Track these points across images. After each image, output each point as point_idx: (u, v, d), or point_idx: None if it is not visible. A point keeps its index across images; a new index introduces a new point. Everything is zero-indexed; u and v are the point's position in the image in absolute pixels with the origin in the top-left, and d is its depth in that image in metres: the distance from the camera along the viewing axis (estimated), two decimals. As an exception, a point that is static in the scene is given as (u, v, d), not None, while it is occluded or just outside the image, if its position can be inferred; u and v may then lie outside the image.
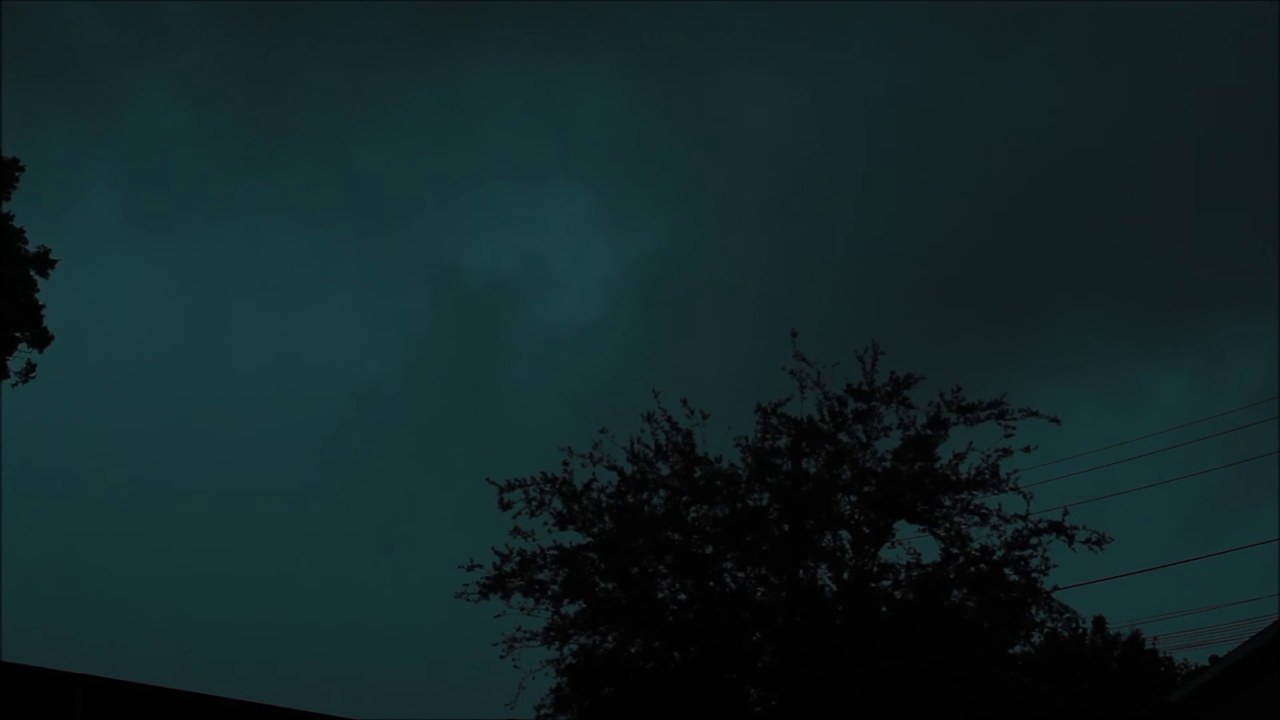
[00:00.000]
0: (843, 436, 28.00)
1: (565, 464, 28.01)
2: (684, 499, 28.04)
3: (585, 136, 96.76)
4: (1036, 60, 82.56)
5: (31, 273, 34.58)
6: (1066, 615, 27.81)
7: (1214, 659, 34.54)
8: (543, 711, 27.98)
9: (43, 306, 35.00)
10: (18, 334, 33.87)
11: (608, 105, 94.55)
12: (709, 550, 28.03)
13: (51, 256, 34.91)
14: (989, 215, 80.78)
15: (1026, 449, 27.19)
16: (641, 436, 28.06)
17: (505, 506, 27.73)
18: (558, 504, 27.85)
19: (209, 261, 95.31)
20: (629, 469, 28.05)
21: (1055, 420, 27.16)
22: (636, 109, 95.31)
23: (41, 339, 34.63)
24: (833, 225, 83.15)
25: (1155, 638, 47.38)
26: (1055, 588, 27.52)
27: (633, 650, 28.04)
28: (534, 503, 27.83)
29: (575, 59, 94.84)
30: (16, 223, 34.95)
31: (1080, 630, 45.19)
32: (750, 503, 28.05)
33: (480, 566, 27.72)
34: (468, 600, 27.70)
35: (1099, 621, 47.15)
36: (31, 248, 34.82)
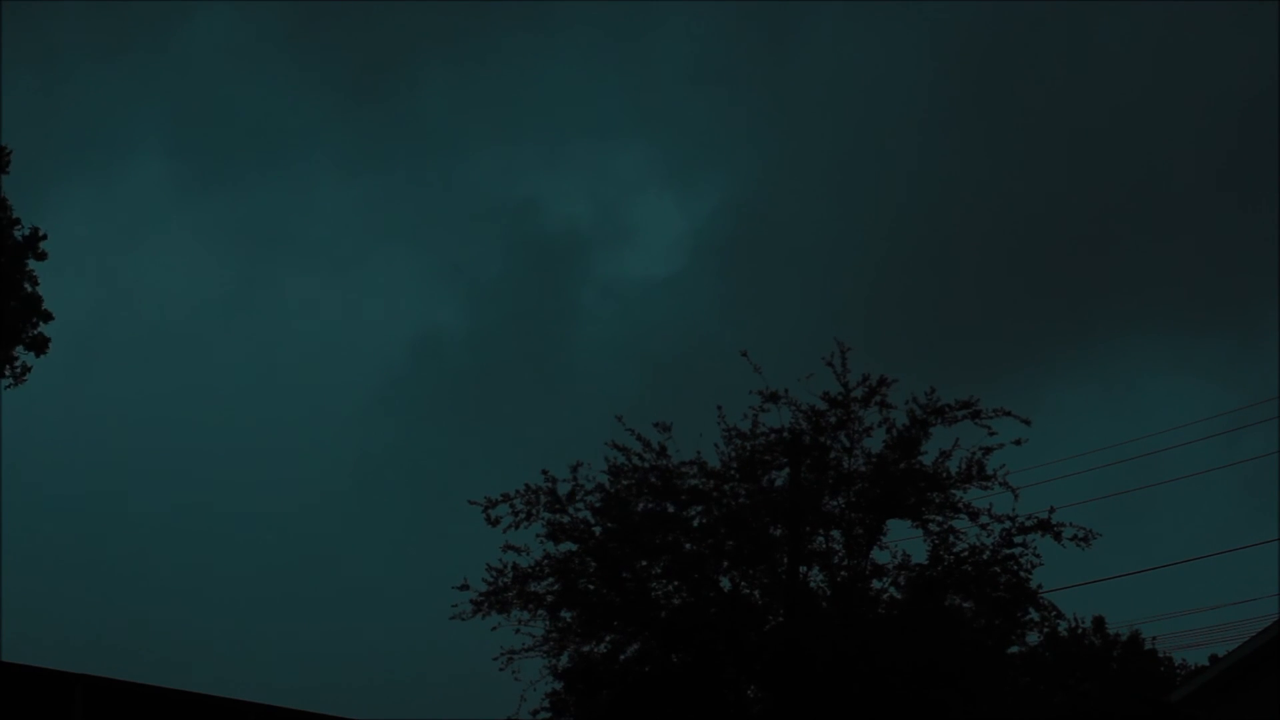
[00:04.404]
0: (824, 440, 28.15)
1: (545, 472, 28.23)
2: (669, 508, 28.14)
3: (656, 86, 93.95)
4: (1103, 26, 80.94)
5: (30, 265, 33.96)
6: (1054, 614, 27.99)
7: (1214, 659, 34.51)
8: (539, 716, 28.06)
9: (42, 308, 34.44)
10: (25, 335, 33.45)
11: (677, 54, 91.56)
12: (704, 551, 28.10)
13: (42, 233, 33.95)
14: (1052, 164, 79.92)
15: (1018, 442, 27.34)
16: (617, 459, 28.21)
17: (493, 523, 27.81)
18: (546, 513, 27.96)
19: (261, 215, 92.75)
20: (611, 486, 28.17)
21: (1027, 422, 27.34)
22: (708, 58, 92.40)
23: (39, 344, 34.24)
24: (895, 175, 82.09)
25: (1155, 638, 47.34)
26: (1040, 587, 27.72)
27: (629, 653, 28.11)
28: (520, 515, 27.89)
29: (645, 7, 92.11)
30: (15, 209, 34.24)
31: (1079, 630, 45.22)
32: (739, 502, 28.14)
33: (469, 587, 27.84)
34: (462, 621, 27.82)
35: (1099, 621, 47.12)
36: (23, 230, 33.87)
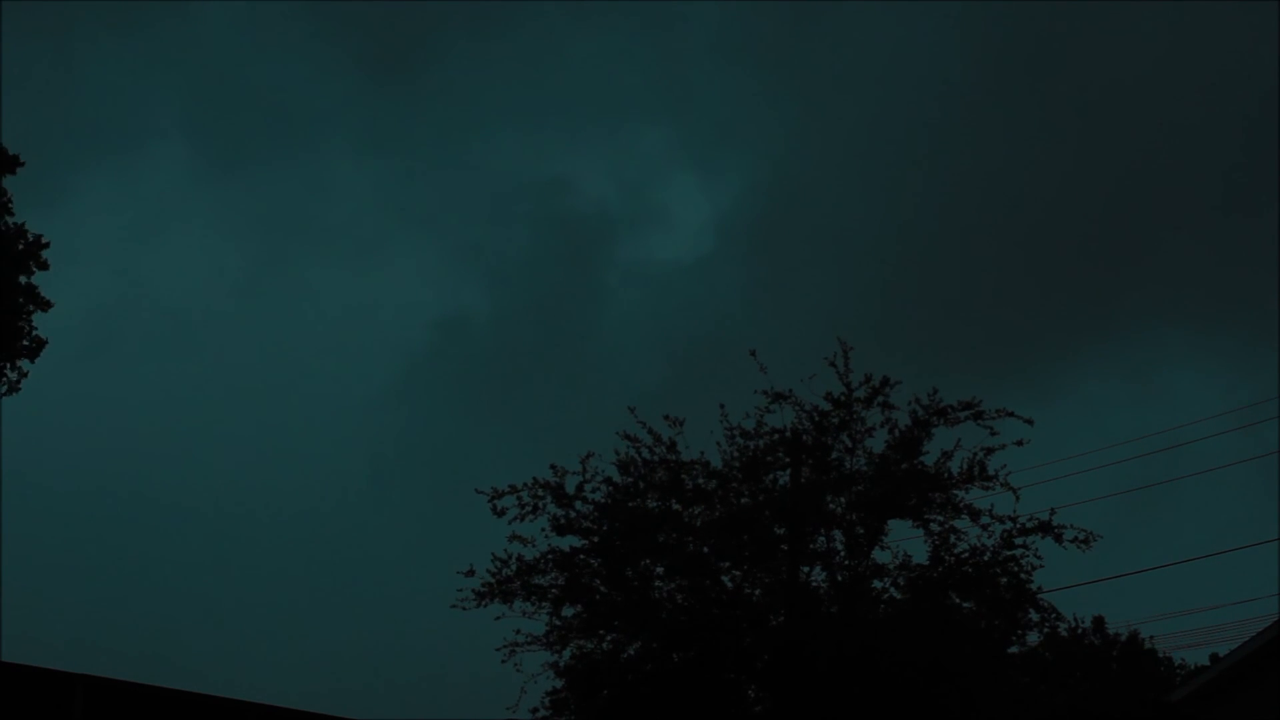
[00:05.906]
0: (826, 440, 28.15)
1: (553, 466, 28.22)
2: (674, 505, 28.14)
3: (681, 67, 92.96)
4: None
5: (31, 278, 33.97)
6: (1054, 616, 28.01)
7: (1214, 659, 34.53)
8: (539, 715, 28.04)
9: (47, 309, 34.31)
10: (22, 339, 33.39)
11: (703, 34, 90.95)
12: (705, 550, 28.11)
13: (44, 239, 33.97)
14: (1072, 155, 79.65)
15: (1020, 442, 27.31)
16: (627, 451, 28.22)
17: (499, 514, 27.80)
18: (552, 508, 27.94)
19: (280, 199, 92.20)
20: (619, 479, 28.17)
21: (1029, 422, 27.30)
22: (734, 38, 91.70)
23: (34, 349, 34.12)
24: (918, 164, 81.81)
25: (1153, 637, 47.34)
26: (1040, 589, 27.72)
27: (631, 652, 28.10)
28: (527, 508, 27.89)
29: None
30: (23, 214, 34.28)
31: (1079, 630, 45.22)
32: (742, 502, 28.14)
33: (474, 573, 27.82)
34: (464, 610, 27.77)
35: (1098, 621, 47.12)
36: (26, 240, 33.98)
